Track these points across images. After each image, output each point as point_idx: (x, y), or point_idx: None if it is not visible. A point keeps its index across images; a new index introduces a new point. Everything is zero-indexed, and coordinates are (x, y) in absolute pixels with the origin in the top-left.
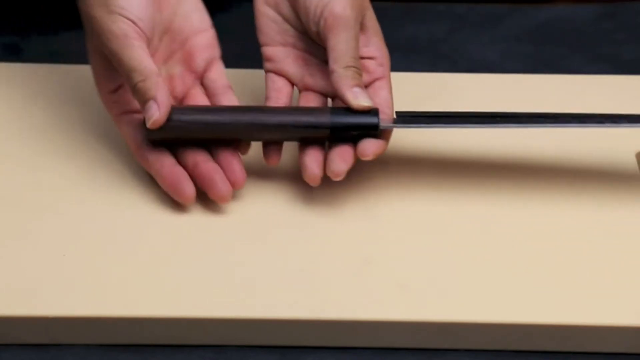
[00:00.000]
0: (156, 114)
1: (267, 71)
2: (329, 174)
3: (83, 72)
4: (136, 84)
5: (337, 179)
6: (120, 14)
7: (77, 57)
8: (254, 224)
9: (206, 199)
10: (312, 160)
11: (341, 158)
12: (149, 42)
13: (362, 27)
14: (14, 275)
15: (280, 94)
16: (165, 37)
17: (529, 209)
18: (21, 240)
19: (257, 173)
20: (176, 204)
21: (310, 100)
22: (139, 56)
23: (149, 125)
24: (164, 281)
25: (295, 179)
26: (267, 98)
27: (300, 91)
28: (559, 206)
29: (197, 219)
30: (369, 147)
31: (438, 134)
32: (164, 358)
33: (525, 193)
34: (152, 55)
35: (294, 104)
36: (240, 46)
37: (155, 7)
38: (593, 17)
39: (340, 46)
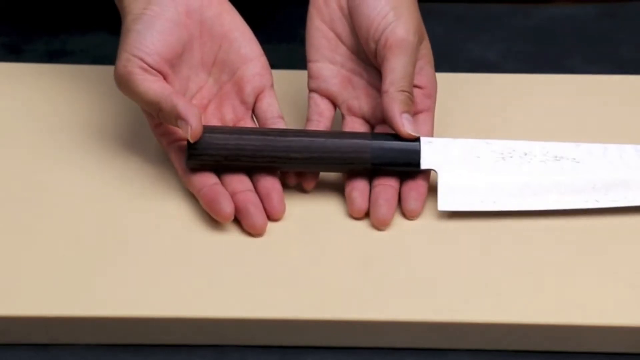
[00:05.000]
0: (188, 127)
1: (311, 90)
2: (374, 220)
3: (83, 72)
4: (157, 113)
5: (383, 228)
6: (128, 52)
7: (77, 57)
8: None
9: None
10: (359, 193)
11: (389, 206)
12: (163, 74)
13: (418, 54)
14: (14, 275)
15: (321, 117)
16: (213, 69)
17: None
18: (21, 240)
19: None
20: (174, 205)
21: (355, 128)
22: (145, 87)
23: (191, 140)
24: (164, 281)
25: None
26: (308, 120)
27: (344, 116)
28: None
29: (197, 219)
30: (416, 207)
31: (438, 132)
32: (164, 358)
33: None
34: (201, 88)
35: (337, 128)
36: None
37: (182, 41)
38: (593, 17)
39: (398, 69)
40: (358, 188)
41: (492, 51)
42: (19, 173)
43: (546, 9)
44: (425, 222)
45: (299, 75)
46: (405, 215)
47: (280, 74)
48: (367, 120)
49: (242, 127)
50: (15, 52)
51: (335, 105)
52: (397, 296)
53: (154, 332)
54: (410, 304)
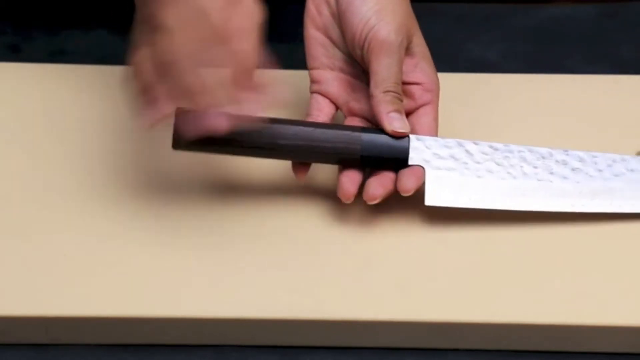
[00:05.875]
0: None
1: (312, 92)
2: (365, 196)
3: (83, 72)
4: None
5: (372, 203)
6: None
7: (77, 57)
8: (253, 225)
9: (205, 199)
10: (349, 179)
11: (379, 183)
12: None
13: (409, 51)
14: (14, 275)
15: (320, 113)
16: None
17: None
18: (21, 240)
19: (255, 176)
20: (176, 204)
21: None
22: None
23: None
24: (164, 281)
25: (293, 179)
26: (307, 115)
27: (345, 116)
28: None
29: (196, 220)
30: (409, 184)
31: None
32: (164, 358)
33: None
34: None
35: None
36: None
37: None
38: (593, 17)
39: (382, 71)
40: (348, 175)
41: (492, 51)
42: (18, 172)
43: (546, 9)
44: (425, 223)
45: (299, 75)
46: (401, 192)
47: (280, 74)
48: (368, 121)
49: (232, 113)
50: (15, 52)
51: (336, 106)
52: (397, 296)
53: (154, 332)
54: (410, 304)
